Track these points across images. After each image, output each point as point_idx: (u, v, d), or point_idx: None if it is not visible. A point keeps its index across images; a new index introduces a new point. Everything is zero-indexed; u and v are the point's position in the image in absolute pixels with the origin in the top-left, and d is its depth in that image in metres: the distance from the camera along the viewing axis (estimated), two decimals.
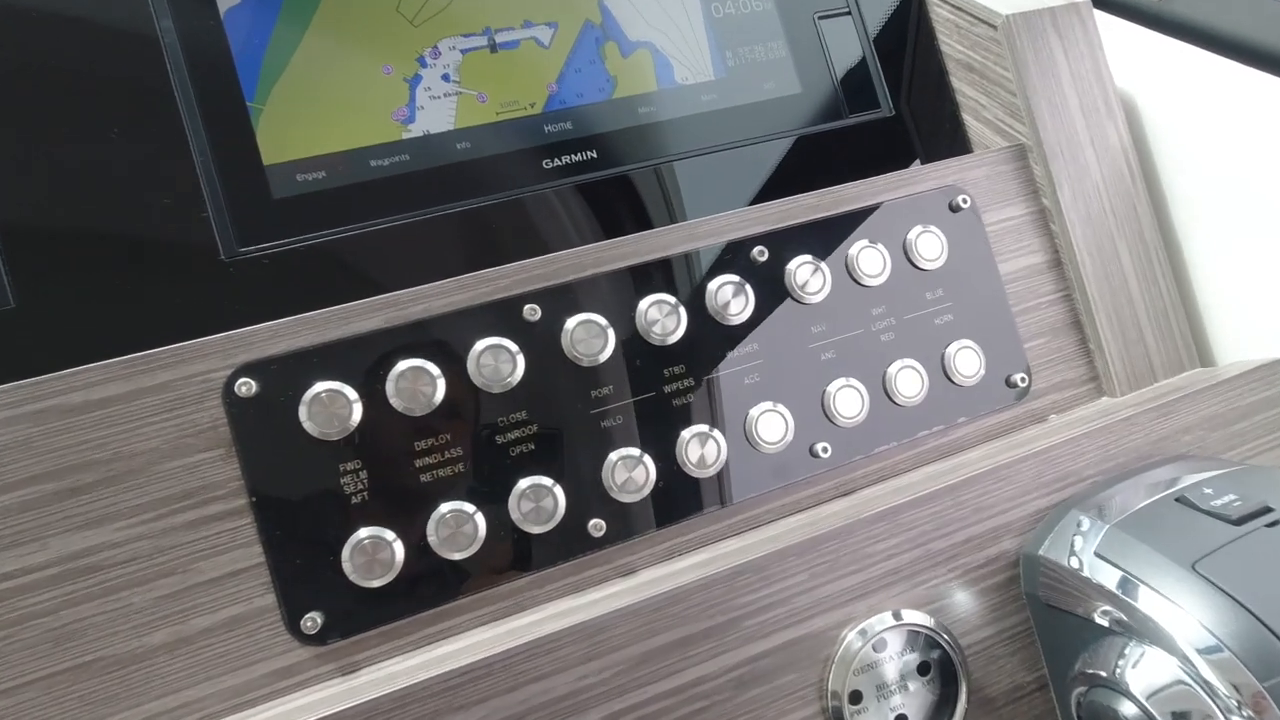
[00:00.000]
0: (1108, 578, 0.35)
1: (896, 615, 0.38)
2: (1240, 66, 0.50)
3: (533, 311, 0.41)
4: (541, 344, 0.41)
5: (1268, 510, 0.35)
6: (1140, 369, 0.49)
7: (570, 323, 0.41)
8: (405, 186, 0.45)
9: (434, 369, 0.39)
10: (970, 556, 0.39)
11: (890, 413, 0.46)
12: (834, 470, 0.44)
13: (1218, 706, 0.30)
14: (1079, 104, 0.50)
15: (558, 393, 0.41)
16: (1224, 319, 0.51)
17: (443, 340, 0.40)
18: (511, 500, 0.39)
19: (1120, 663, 0.33)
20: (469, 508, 0.39)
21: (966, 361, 0.47)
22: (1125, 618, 0.34)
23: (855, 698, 0.37)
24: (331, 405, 0.38)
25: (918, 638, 0.38)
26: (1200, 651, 0.31)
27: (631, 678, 0.34)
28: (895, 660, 0.38)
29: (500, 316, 0.41)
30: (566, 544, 0.40)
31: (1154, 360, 0.50)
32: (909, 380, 0.46)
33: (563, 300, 0.42)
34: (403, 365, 0.39)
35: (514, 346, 0.40)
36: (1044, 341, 0.49)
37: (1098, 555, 0.36)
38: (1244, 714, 0.30)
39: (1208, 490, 0.37)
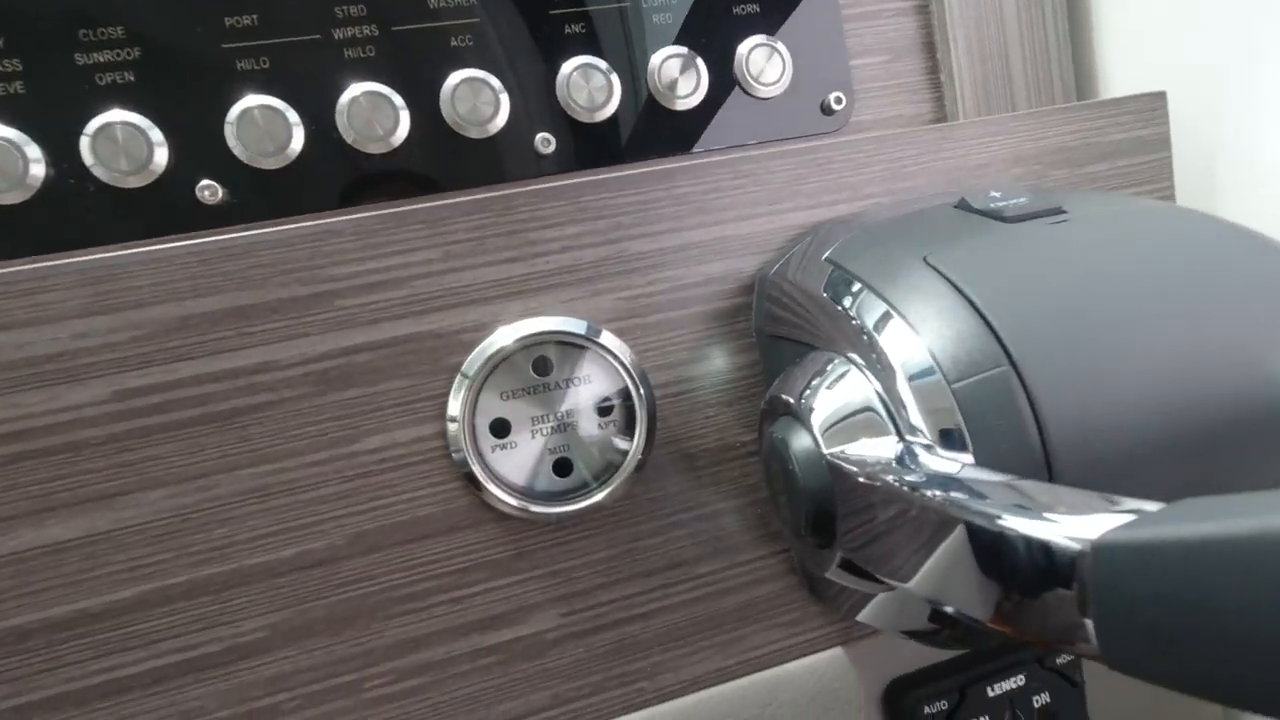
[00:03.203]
0: (824, 281, 0.26)
1: (594, 331, 0.29)
2: None
3: None
4: None
5: (1059, 211, 0.25)
6: (998, 106, 0.39)
7: None
8: None
9: None
10: (682, 269, 0.30)
11: (658, 115, 0.35)
12: (558, 175, 0.34)
13: (897, 426, 0.22)
14: None
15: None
16: (1122, 55, 0.40)
17: None
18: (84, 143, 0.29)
19: (814, 384, 0.24)
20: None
21: (763, 64, 0.36)
22: (850, 329, 0.25)
23: (500, 428, 0.28)
24: None
25: (599, 363, 0.29)
26: (906, 370, 0.22)
27: (157, 347, 0.25)
28: (565, 389, 0.29)
29: None
30: (169, 210, 0.31)
31: (1018, 97, 0.39)
32: (678, 74, 0.35)
33: None
34: None
35: None
36: (881, 61, 0.38)
37: (827, 260, 0.26)
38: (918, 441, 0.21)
39: (995, 194, 0.27)
